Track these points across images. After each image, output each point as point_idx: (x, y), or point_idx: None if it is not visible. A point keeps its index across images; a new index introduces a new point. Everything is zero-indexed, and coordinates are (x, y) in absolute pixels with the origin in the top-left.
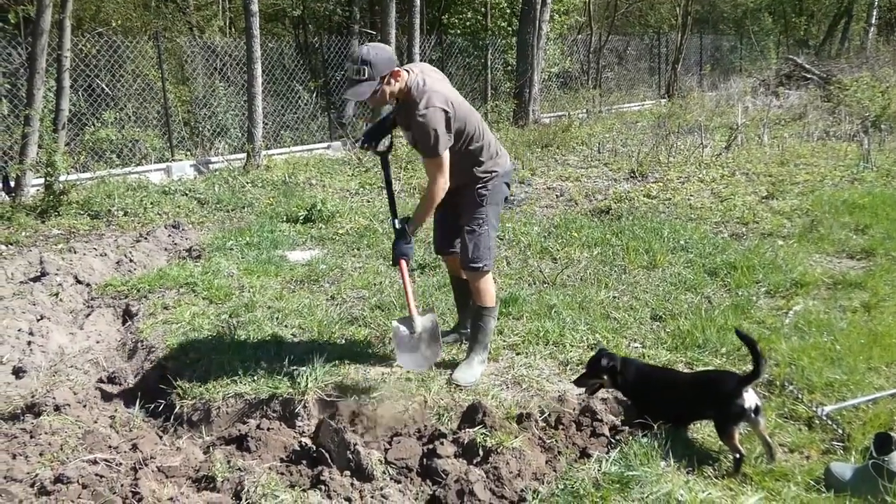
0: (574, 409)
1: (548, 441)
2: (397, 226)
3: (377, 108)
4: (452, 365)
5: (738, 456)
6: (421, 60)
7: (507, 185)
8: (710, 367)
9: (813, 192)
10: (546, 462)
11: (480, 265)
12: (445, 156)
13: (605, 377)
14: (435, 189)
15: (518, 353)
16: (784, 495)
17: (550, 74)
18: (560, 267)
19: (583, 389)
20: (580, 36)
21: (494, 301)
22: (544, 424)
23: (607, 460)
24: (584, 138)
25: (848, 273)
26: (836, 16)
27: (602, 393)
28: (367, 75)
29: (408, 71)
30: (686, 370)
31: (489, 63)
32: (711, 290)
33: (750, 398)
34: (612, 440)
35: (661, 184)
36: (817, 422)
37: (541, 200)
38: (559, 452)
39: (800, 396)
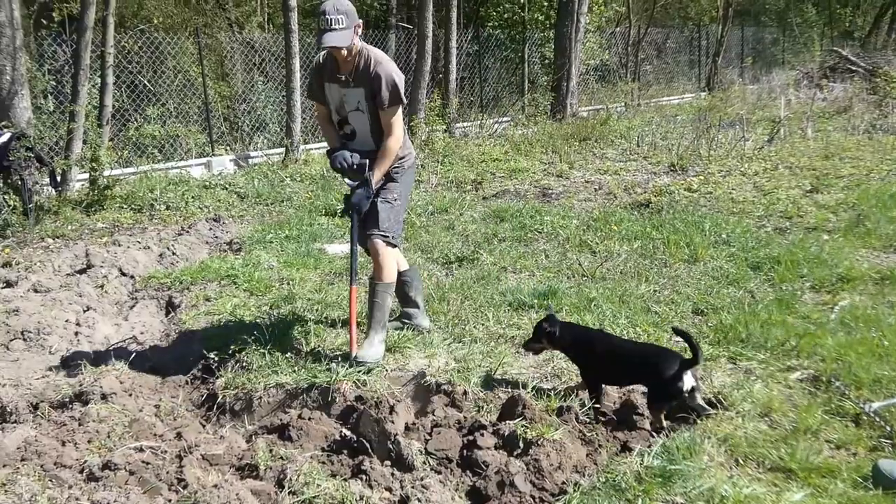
0: (614, 403)
1: (588, 434)
2: (361, 178)
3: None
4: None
5: (658, 427)
6: (458, 54)
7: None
8: (652, 342)
9: (859, 185)
10: (587, 455)
11: (390, 235)
12: (401, 109)
13: (545, 341)
14: (393, 143)
15: None
16: (830, 492)
17: (588, 67)
18: (599, 260)
19: (531, 353)
20: (619, 28)
21: (393, 279)
22: (585, 418)
23: (649, 454)
24: (622, 132)
25: None
26: (883, 6)
27: (642, 387)
28: (344, 24)
29: None
30: (627, 339)
31: (526, 56)
32: (755, 285)
33: (688, 381)
34: (653, 434)
35: (702, 177)
36: (865, 418)
37: (579, 194)
38: (600, 445)
39: (846, 393)
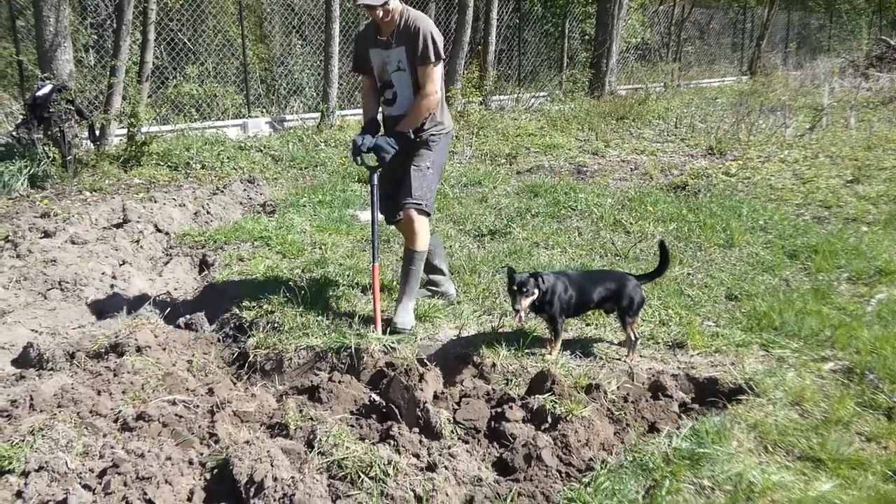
0: (643, 384)
1: (616, 413)
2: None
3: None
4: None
5: (633, 340)
6: (498, 26)
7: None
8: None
9: None
10: (614, 433)
11: (422, 203)
12: (441, 66)
13: (537, 292)
14: (431, 98)
15: (588, 325)
16: (860, 484)
17: (629, 45)
18: (633, 240)
19: (522, 314)
20: (662, 7)
21: (426, 247)
22: (613, 396)
23: (678, 436)
24: (660, 112)
25: None
26: None
27: (673, 370)
28: None
29: None
30: (582, 271)
31: (566, 32)
32: (790, 273)
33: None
34: (681, 416)
35: (741, 162)
36: None
37: (614, 173)
38: (628, 425)
39: (880, 386)
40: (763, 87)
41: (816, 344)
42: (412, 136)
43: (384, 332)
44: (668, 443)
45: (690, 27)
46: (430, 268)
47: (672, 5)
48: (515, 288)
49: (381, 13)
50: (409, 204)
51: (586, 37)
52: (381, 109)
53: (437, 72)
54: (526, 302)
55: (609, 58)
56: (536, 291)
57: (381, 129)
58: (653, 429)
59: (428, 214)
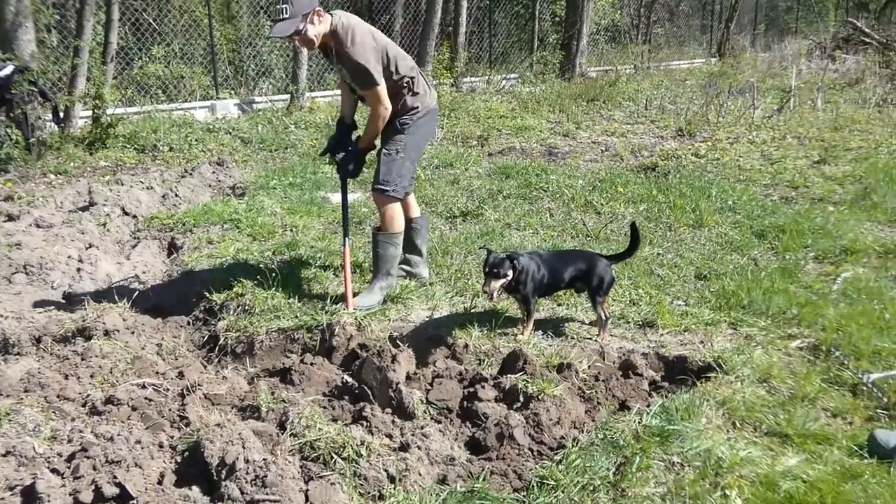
0: (614, 362)
1: (588, 392)
2: (349, 147)
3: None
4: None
5: (604, 319)
6: (468, 7)
7: (433, 126)
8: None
9: (867, 159)
10: (585, 412)
11: (388, 189)
12: (382, 84)
13: (511, 273)
14: (378, 117)
15: (559, 305)
16: (825, 459)
17: (599, 27)
18: (604, 221)
19: (493, 294)
20: None
21: (399, 230)
22: (584, 375)
23: (648, 413)
24: (630, 94)
25: None
26: None
27: (643, 349)
28: (288, 14)
29: (331, 14)
30: (552, 251)
31: (537, 13)
32: (758, 253)
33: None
34: (651, 394)
35: (710, 143)
36: (863, 389)
37: (585, 154)
38: (599, 403)
39: (846, 363)
40: (732, 69)
41: (783, 322)
42: (390, 119)
43: None
44: (638, 420)
45: (660, 9)
46: (411, 246)
47: None
48: (488, 269)
49: (297, 41)
50: (375, 188)
51: (557, 18)
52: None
53: (377, 92)
54: (498, 283)
55: (579, 39)
56: (510, 273)
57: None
58: (623, 407)
59: (396, 199)
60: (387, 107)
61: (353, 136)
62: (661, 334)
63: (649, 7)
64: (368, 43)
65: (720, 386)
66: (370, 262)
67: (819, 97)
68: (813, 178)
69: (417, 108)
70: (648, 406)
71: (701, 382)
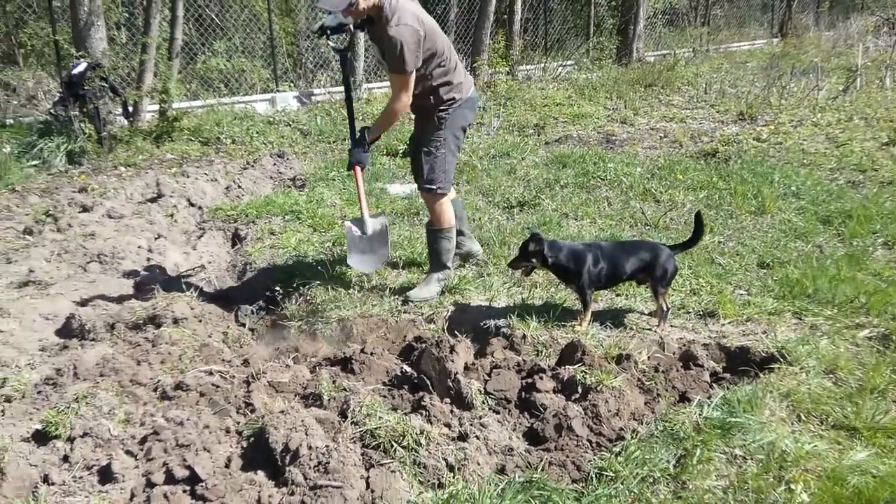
0: (674, 353)
1: (647, 383)
2: (356, 135)
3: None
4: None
5: (665, 310)
6: None
7: (470, 113)
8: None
9: None
10: (645, 403)
11: (435, 187)
12: (412, 74)
13: (535, 259)
14: (397, 105)
15: (618, 295)
16: None
17: (656, 10)
18: (663, 209)
19: (519, 271)
20: None
21: (451, 223)
22: (643, 366)
23: (709, 405)
24: (689, 78)
25: None
26: None
27: (704, 339)
28: None
29: None
30: (610, 241)
31: None
32: (824, 239)
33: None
34: (712, 385)
35: (772, 127)
36: None
37: (643, 141)
38: (658, 395)
39: None
40: (795, 50)
41: (851, 311)
42: (426, 109)
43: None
44: (699, 412)
45: None
46: (465, 236)
47: None
48: (518, 251)
49: (347, 16)
50: (422, 188)
51: (613, 3)
52: None
53: (403, 80)
54: (519, 265)
55: (636, 24)
56: (534, 260)
57: None
58: (683, 398)
59: (444, 194)
60: (405, 101)
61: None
62: (723, 324)
63: None
64: (412, 28)
65: (784, 377)
66: (426, 256)
67: (888, 76)
68: (881, 161)
69: (455, 98)
70: (709, 398)
71: (764, 374)
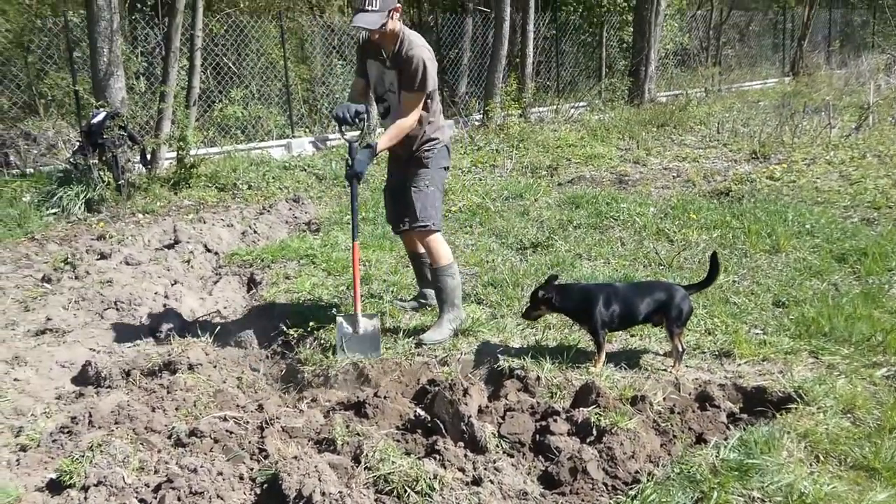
0: (690, 394)
1: (663, 424)
2: (363, 146)
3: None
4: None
5: (680, 351)
6: (535, 38)
7: (449, 156)
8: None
9: None
10: (661, 445)
11: (429, 223)
12: (426, 97)
13: (543, 307)
14: (408, 122)
15: (632, 336)
16: None
17: (667, 52)
18: (677, 249)
19: (530, 320)
20: (700, 11)
21: (449, 259)
22: (659, 408)
23: (726, 447)
24: (702, 118)
25: None
26: None
27: (720, 379)
28: (377, 6)
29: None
30: (624, 283)
31: (604, 40)
32: (839, 277)
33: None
34: (729, 427)
35: (785, 165)
36: None
37: (656, 181)
38: (674, 436)
39: None
40: (806, 88)
41: (868, 349)
42: (406, 154)
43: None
44: (715, 454)
45: (729, 30)
46: (424, 282)
47: (710, 9)
48: (530, 297)
49: (377, 35)
50: (417, 228)
51: (624, 45)
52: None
53: (420, 100)
54: (533, 313)
55: (648, 65)
56: (543, 308)
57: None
58: (700, 440)
59: (437, 231)
60: (415, 121)
61: (355, 108)
62: (739, 364)
63: (718, 29)
64: (430, 52)
65: (801, 417)
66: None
67: None
68: None
69: (438, 139)
70: (726, 439)
71: (781, 414)
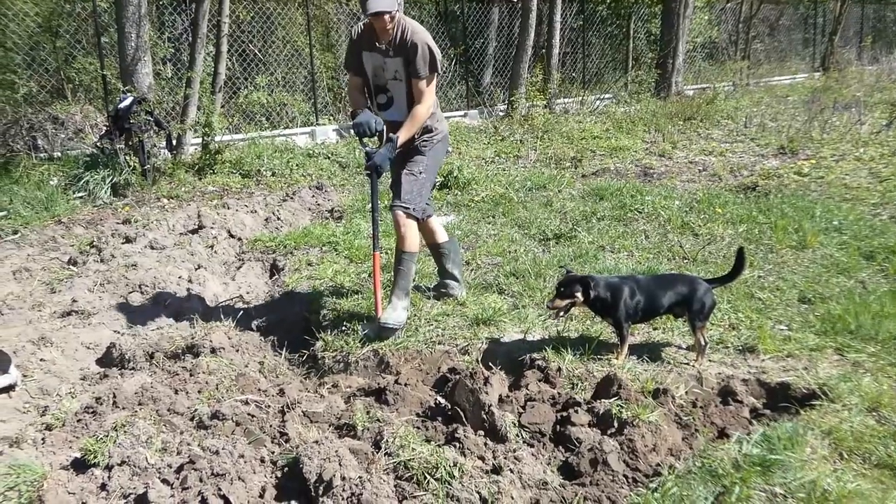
0: (712, 388)
1: (685, 418)
2: (383, 140)
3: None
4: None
5: (703, 345)
6: (561, 29)
7: (446, 149)
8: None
9: None
10: (682, 439)
11: (410, 207)
12: (435, 79)
13: (579, 296)
14: (424, 110)
15: (655, 329)
16: None
17: (695, 45)
18: (702, 243)
19: (555, 312)
20: (729, 4)
21: (416, 249)
22: (681, 401)
23: (748, 441)
24: (729, 112)
25: None
26: None
27: (743, 374)
28: None
29: None
30: (648, 275)
31: (631, 32)
32: (867, 275)
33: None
34: (752, 422)
35: (813, 161)
36: None
37: (682, 174)
38: (696, 430)
39: None
40: (836, 84)
41: (894, 348)
42: (406, 144)
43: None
44: (738, 449)
45: (759, 24)
46: (444, 271)
47: (740, 2)
48: (556, 287)
49: (387, 19)
50: (396, 206)
51: (651, 37)
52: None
53: (433, 83)
54: (561, 303)
55: (675, 58)
56: (578, 296)
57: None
58: (722, 434)
59: (417, 219)
60: (431, 104)
61: (377, 125)
62: (763, 360)
63: (748, 22)
64: (430, 37)
65: (826, 414)
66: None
67: None
68: None
69: (436, 129)
70: (749, 434)
71: (805, 411)
